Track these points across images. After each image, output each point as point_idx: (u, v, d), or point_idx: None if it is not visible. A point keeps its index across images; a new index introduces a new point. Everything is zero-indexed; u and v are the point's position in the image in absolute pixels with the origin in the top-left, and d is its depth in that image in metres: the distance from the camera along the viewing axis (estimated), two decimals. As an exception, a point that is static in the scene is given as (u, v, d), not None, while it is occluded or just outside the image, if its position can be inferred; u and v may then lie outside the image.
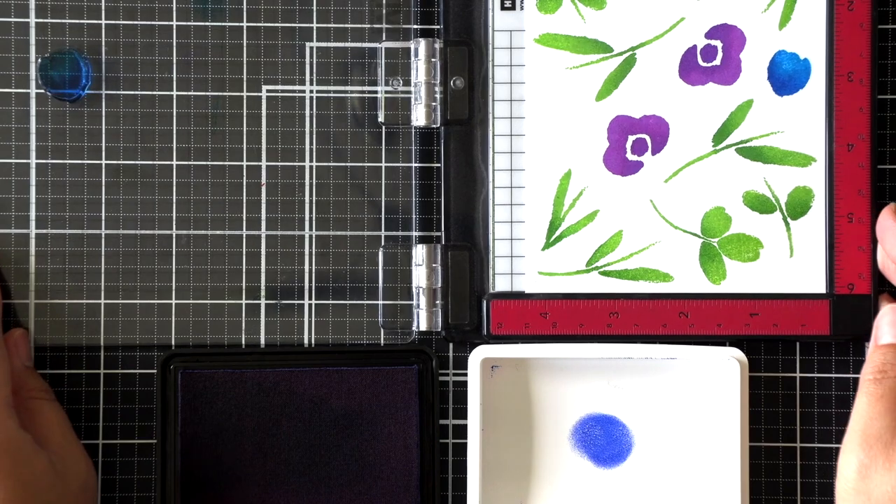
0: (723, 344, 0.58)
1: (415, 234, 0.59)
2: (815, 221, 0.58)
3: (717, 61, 0.58)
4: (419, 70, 0.58)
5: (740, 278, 0.58)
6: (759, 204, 0.58)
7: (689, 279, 0.58)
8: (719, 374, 0.57)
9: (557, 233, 0.58)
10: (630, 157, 0.58)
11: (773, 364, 0.59)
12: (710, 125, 0.58)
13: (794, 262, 0.58)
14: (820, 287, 0.58)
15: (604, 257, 0.58)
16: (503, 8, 0.58)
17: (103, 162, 0.59)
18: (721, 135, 0.58)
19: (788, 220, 0.58)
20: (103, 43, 0.59)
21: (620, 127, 0.58)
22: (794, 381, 0.59)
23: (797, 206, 0.58)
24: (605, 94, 0.58)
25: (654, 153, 0.58)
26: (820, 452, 0.59)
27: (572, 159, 0.58)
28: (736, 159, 0.58)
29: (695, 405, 0.58)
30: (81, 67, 0.59)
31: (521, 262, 0.58)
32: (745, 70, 0.57)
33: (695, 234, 0.58)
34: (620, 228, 0.58)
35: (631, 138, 0.58)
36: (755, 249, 0.57)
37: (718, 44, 0.58)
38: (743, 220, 0.58)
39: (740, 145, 0.58)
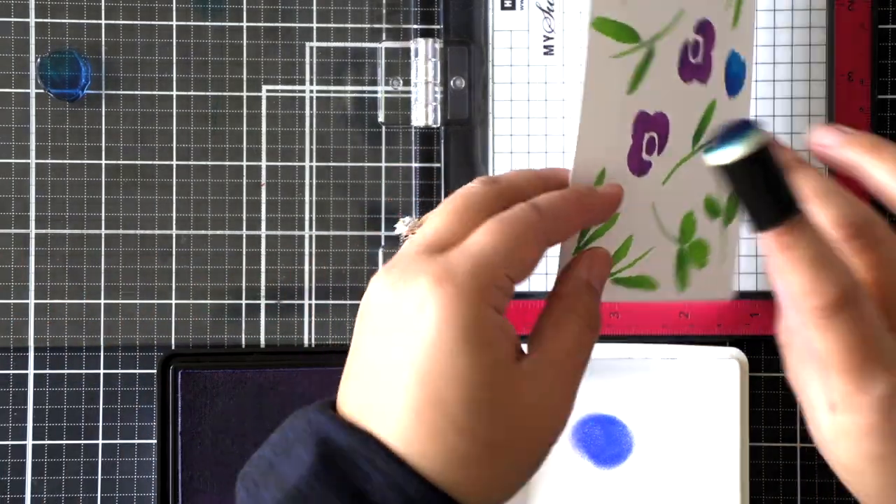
0: (723, 344, 0.58)
1: (415, 234, 0.59)
2: (816, 221, 0.57)
3: (700, 58, 0.54)
4: (419, 70, 0.58)
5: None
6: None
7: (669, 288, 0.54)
8: (719, 374, 0.57)
9: (586, 238, 0.53)
10: (645, 156, 0.53)
11: (773, 364, 0.59)
12: (691, 124, 0.54)
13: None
14: (820, 287, 0.57)
15: (617, 263, 0.54)
16: (503, 8, 0.58)
17: (103, 162, 0.59)
18: (698, 134, 0.54)
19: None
20: (103, 43, 0.59)
21: (641, 123, 0.52)
22: (794, 381, 0.59)
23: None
24: (633, 86, 0.50)
25: (658, 153, 0.54)
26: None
27: (606, 157, 0.50)
28: None
29: (695, 405, 0.58)
30: (81, 67, 0.59)
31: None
32: (714, 68, 0.54)
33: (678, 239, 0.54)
34: (631, 233, 0.54)
35: (646, 136, 0.53)
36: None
37: (701, 39, 0.54)
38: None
39: None
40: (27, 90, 0.59)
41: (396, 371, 0.41)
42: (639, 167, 0.52)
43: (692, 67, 0.54)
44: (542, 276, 0.58)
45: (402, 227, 0.58)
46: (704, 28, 0.53)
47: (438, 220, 0.43)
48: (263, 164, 0.59)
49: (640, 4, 0.51)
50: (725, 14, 0.53)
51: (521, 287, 0.57)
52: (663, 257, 0.53)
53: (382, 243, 0.59)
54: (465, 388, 0.40)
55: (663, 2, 0.52)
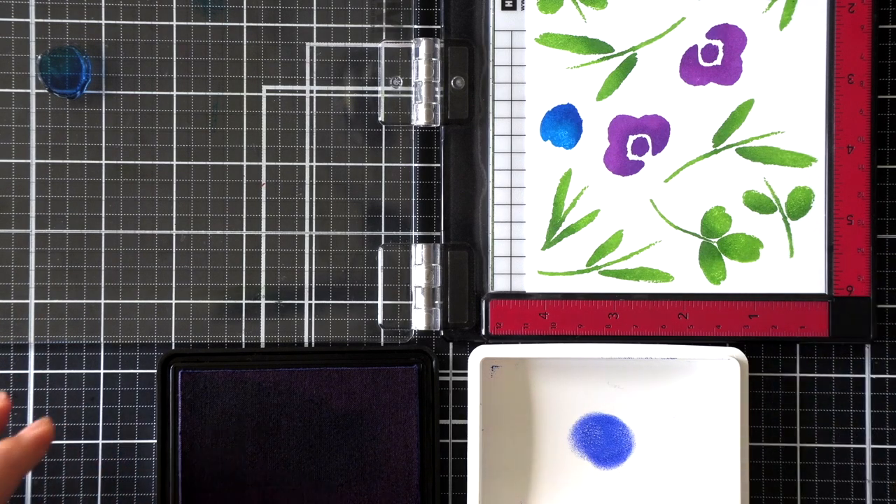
0: (722, 345, 0.58)
1: (414, 233, 0.59)
2: (815, 221, 0.58)
3: (718, 61, 0.58)
4: (419, 69, 0.58)
5: (740, 278, 0.58)
6: (760, 204, 0.58)
7: (689, 279, 0.58)
8: (719, 374, 0.57)
9: (558, 232, 0.58)
10: (631, 156, 0.58)
11: (773, 364, 0.59)
12: (711, 125, 0.58)
13: (794, 263, 0.58)
14: (819, 288, 0.58)
15: (604, 257, 0.58)
16: (504, 8, 0.58)
17: (103, 162, 0.59)
18: (721, 135, 0.58)
19: (788, 220, 0.58)
20: (103, 42, 0.59)
21: (621, 127, 0.58)
22: (794, 382, 0.59)
23: (797, 206, 0.58)
24: (605, 93, 0.58)
25: (654, 153, 0.58)
26: (820, 452, 0.59)
27: (573, 159, 0.58)
28: (736, 159, 0.58)
29: (695, 405, 0.58)
30: (82, 66, 0.59)
31: (521, 262, 0.58)
32: (745, 70, 0.57)
33: (695, 234, 0.58)
34: (621, 228, 0.58)
35: (632, 138, 0.58)
36: (755, 249, 0.58)
37: (719, 44, 0.58)
38: (743, 220, 0.58)
39: (741, 145, 0.58)
40: (27, 90, 0.59)
41: None
42: (623, 167, 0.58)
43: (704, 71, 0.57)
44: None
45: None
46: (725, 32, 0.57)
47: None
48: (263, 164, 0.59)
49: (613, 17, 0.57)
50: (765, 17, 0.57)
51: (518, 286, 0.58)
52: (678, 250, 0.57)
53: (382, 243, 0.59)
54: None
55: (653, 11, 0.57)
